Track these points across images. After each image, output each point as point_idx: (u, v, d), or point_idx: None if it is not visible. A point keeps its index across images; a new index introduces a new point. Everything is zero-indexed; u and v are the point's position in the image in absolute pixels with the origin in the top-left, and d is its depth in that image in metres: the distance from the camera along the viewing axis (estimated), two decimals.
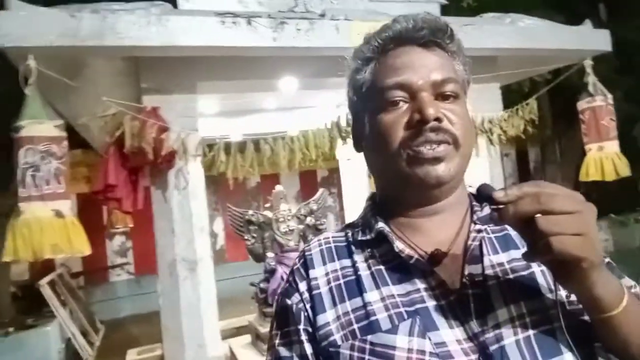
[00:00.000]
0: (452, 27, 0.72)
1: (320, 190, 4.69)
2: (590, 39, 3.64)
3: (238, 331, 4.67)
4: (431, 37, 0.70)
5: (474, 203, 0.76)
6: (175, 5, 2.98)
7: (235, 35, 2.55)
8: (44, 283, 5.10)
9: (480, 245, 0.69)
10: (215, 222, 8.01)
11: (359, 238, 0.75)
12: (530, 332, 0.62)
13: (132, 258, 7.66)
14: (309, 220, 4.51)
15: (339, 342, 0.66)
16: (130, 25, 2.36)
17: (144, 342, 5.05)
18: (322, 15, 2.94)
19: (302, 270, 0.75)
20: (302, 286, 0.73)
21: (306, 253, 0.77)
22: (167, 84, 2.82)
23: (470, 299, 0.65)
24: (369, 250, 0.73)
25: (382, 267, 0.70)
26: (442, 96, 0.69)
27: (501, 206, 0.56)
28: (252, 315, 4.20)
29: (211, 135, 3.15)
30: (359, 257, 0.73)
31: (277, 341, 0.73)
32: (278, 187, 4.52)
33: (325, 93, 4.12)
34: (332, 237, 0.79)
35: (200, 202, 3.05)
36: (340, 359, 0.65)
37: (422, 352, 0.62)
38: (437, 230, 0.71)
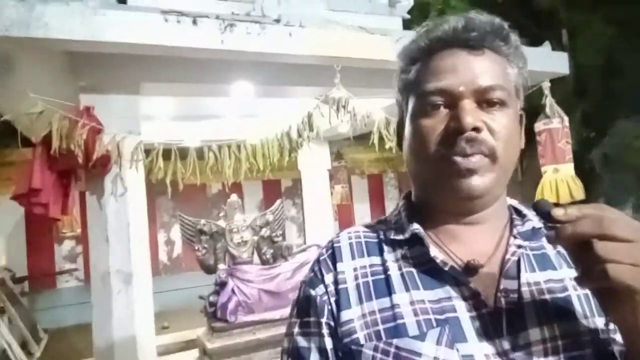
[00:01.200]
0: (508, 27, 0.68)
1: (278, 201, 4.54)
2: (549, 61, 3.66)
3: (187, 345, 4.47)
4: (481, 39, 0.66)
5: (515, 216, 0.73)
6: (124, 1, 2.82)
7: (179, 35, 2.39)
8: None
9: (518, 261, 0.67)
10: (172, 230, 7.74)
11: (392, 237, 0.72)
12: (561, 355, 0.61)
13: (82, 264, 7.30)
14: (264, 231, 4.35)
15: (362, 341, 0.64)
16: (61, 17, 2.18)
17: (88, 353, 4.75)
18: (277, 21, 2.83)
19: (329, 262, 0.72)
20: (328, 278, 0.71)
21: (334, 244, 0.74)
22: (105, 83, 2.64)
23: (504, 314, 0.63)
24: (401, 250, 0.71)
25: (413, 269, 0.68)
26: (487, 103, 0.65)
27: (558, 225, 0.54)
28: (201, 329, 4.00)
29: (163, 140, 2.95)
30: (389, 256, 0.70)
31: (296, 330, 0.72)
32: (233, 197, 4.34)
33: (284, 101, 3.99)
34: (363, 231, 0.76)
35: (139, 211, 2.87)
36: (362, 358, 0.63)
37: None
38: (474, 240, 0.69)
